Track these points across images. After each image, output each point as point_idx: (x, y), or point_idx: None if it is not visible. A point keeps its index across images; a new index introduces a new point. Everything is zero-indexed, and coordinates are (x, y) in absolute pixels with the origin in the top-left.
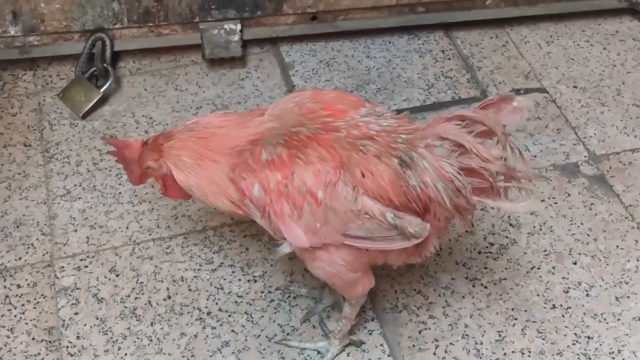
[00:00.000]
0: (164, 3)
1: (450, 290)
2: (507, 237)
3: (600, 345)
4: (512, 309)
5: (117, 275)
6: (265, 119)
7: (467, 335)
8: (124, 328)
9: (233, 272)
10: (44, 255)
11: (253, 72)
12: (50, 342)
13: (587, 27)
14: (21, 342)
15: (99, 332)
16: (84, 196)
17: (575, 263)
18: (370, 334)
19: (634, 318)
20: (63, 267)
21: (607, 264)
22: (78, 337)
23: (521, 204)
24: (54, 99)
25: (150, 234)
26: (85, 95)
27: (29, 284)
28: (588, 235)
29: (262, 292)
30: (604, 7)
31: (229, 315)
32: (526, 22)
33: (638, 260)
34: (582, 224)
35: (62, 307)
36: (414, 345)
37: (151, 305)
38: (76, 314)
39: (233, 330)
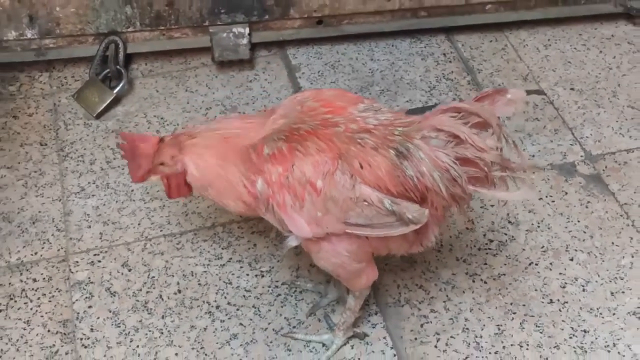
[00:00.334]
0: (175, 7)
1: (451, 285)
2: (506, 234)
3: (596, 338)
4: (511, 304)
5: (130, 270)
6: (276, 118)
7: (467, 328)
8: (136, 321)
9: (241, 267)
10: (59, 250)
11: (261, 74)
12: (64, 334)
13: (583, 31)
14: (37, 334)
15: (112, 324)
16: (97, 193)
17: (572, 259)
18: (373, 327)
19: (628, 312)
20: (77, 262)
21: (603, 261)
22: (92, 330)
23: (516, 193)
24: (68, 99)
25: (161, 230)
26: (99, 96)
27: (44, 278)
28: (584, 232)
29: (269, 287)
30: (600, 11)
31: (237, 309)
32: (524, 26)
33: (632, 257)
34: (578, 221)
35: (77, 300)
36: (416, 339)
37: (162, 299)
38: (90, 307)
39: (241, 324)
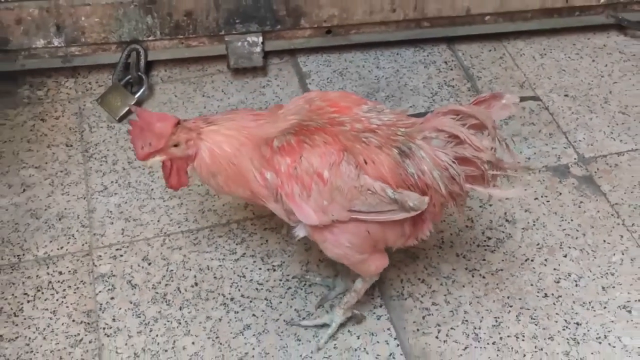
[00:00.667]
0: (193, 17)
1: (452, 280)
2: (503, 232)
3: (588, 330)
4: (508, 297)
5: (150, 264)
6: (286, 114)
7: (466, 320)
8: (155, 312)
9: (254, 261)
10: (83, 245)
11: (273, 81)
12: (88, 323)
13: (577, 41)
14: (62, 324)
15: (133, 315)
16: (119, 192)
17: (565, 256)
18: (378, 319)
19: (618, 306)
20: (100, 256)
21: (595, 257)
22: (114, 320)
23: (509, 191)
24: (93, 104)
25: (179, 227)
26: (121, 100)
27: (69, 271)
28: (577, 230)
29: (281, 280)
30: (593, 22)
31: (250, 301)
32: (522, 36)
33: (623, 254)
34: (572, 220)
35: (100, 292)
36: (418, 330)
37: (180, 291)
38: (112, 298)
39: (254, 315)
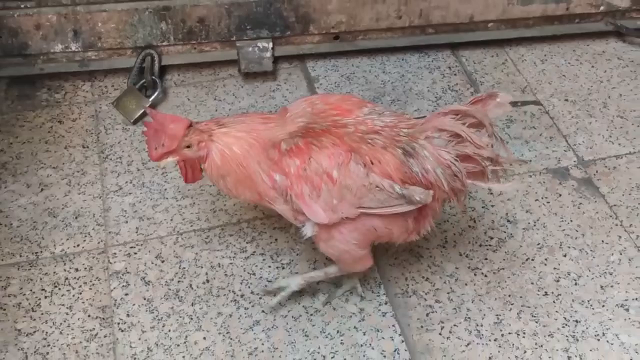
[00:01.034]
0: (206, 24)
1: (455, 278)
2: (505, 232)
3: (587, 328)
4: (509, 296)
5: (163, 261)
6: (294, 117)
7: (469, 318)
8: (168, 307)
9: (264, 259)
10: (98, 243)
11: (283, 85)
12: (103, 319)
13: (577, 47)
14: (78, 319)
15: (146, 311)
16: (134, 192)
17: (565, 255)
18: (383, 315)
19: (616, 305)
20: (115, 253)
21: (594, 257)
22: (128, 315)
23: (507, 184)
24: (108, 106)
25: (191, 226)
26: (136, 103)
27: (85, 268)
28: (577, 231)
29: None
30: (593, 29)
31: (260, 298)
32: (523, 42)
33: (621, 254)
34: (571, 221)
35: (114, 288)
36: (422, 326)
37: (192, 288)
38: (126, 294)
39: (263, 311)
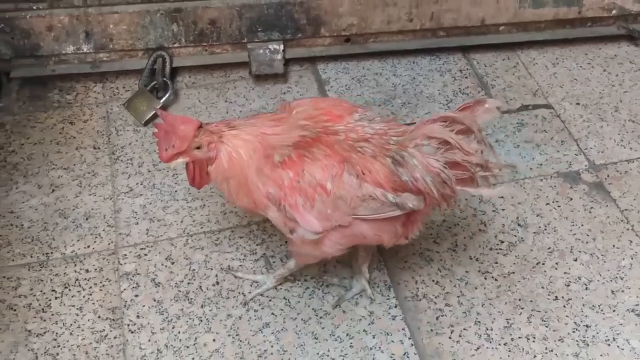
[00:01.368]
0: (217, 25)
1: (465, 282)
2: (515, 236)
3: (597, 333)
4: (519, 300)
5: (173, 263)
6: (299, 117)
7: (479, 322)
8: (177, 309)
9: (273, 262)
10: (109, 244)
11: (293, 87)
12: (113, 320)
13: (589, 51)
14: (88, 320)
15: (156, 312)
16: (144, 193)
17: (575, 260)
18: (393, 319)
19: (627, 310)
20: (126, 255)
21: (604, 261)
22: (138, 317)
23: (496, 189)
24: (119, 108)
25: (201, 227)
26: (147, 105)
27: (96, 269)
28: (587, 235)
29: (299, 280)
30: (604, 33)
31: (269, 300)
32: (535, 46)
33: (632, 259)
34: (582, 225)
35: (124, 289)
36: (432, 330)
37: (202, 290)
38: (136, 296)
39: (273, 313)
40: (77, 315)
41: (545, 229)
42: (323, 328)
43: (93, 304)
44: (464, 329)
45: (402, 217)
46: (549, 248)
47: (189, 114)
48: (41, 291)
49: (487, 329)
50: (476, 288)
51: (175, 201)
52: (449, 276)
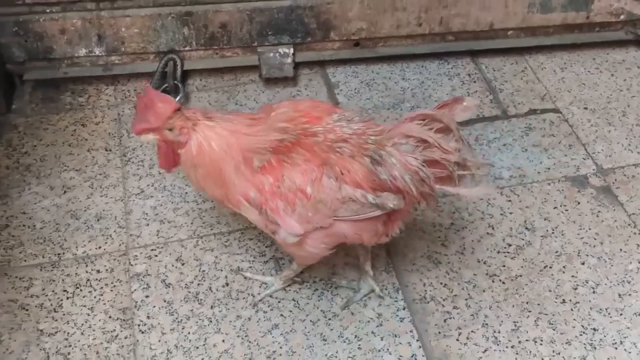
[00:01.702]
0: (227, 29)
1: (472, 285)
2: (523, 239)
3: (605, 336)
4: (527, 303)
5: (183, 264)
6: (278, 119)
7: (486, 324)
8: (187, 310)
9: (283, 263)
10: (120, 245)
11: (303, 90)
12: (124, 320)
13: (597, 56)
14: (99, 320)
15: (166, 313)
16: (155, 195)
17: (583, 263)
18: (401, 321)
19: (634, 313)
20: (136, 255)
21: (612, 265)
22: (148, 317)
23: (475, 189)
24: (131, 110)
25: (212, 229)
26: None
27: (107, 270)
28: (595, 239)
29: (308, 282)
30: (612, 38)
31: (279, 302)
32: (543, 50)
33: (639, 262)
34: (589, 229)
35: (135, 290)
36: (439, 332)
37: (211, 291)
38: (147, 296)
39: (282, 315)
40: (88, 315)
41: (553, 233)
42: (331, 330)
43: (104, 304)
44: (472, 331)
45: (383, 217)
46: (557, 251)
47: None
48: (53, 291)
49: (495, 332)
50: (484, 291)
51: (185, 203)
52: (456, 279)
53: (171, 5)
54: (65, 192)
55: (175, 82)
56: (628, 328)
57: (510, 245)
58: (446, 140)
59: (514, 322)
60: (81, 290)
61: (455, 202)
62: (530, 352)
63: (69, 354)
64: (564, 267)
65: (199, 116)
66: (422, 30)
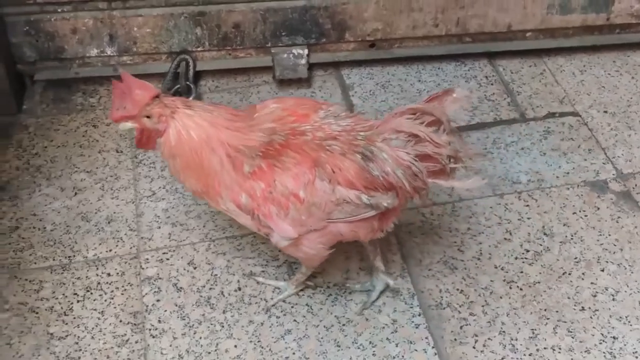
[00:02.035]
0: (241, 30)
1: (489, 291)
2: (541, 245)
3: (625, 345)
4: (545, 310)
5: (195, 268)
6: (261, 120)
7: (503, 331)
8: (199, 314)
9: (295, 268)
10: (131, 248)
11: (317, 92)
12: (135, 324)
13: (617, 58)
14: (110, 324)
15: (178, 317)
16: (167, 197)
17: (602, 270)
18: (416, 327)
19: None
20: (147, 259)
21: (632, 272)
22: (159, 321)
23: (468, 181)
24: None
25: (224, 232)
26: None
27: (117, 273)
28: (615, 245)
29: (321, 287)
30: (633, 40)
31: (292, 307)
32: (562, 52)
33: None
34: (609, 235)
35: (146, 294)
36: (455, 339)
37: (223, 295)
38: (158, 300)
39: (295, 320)
40: (99, 319)
41: (572, 239)
42: (346, 336)
43: (115, 308)
44: (489, 338)
45: (377, 214)
46: (576, 258)
47: None
48: (63, 294)
49: (512, 339)
50: (501, 297)
51: (197, 205)
52: (473, 285)
53: (184, 5)
54: (75, 193)
55: (188, 83)
56: None
57: (528, 251)
58: (438, 134)
59: (532, 329)
60: (92, 293)
61: (472, 206)
62: None
63: (79, 358)
64: (583, 273)
65: (178, 104)
66: (438, 32)
